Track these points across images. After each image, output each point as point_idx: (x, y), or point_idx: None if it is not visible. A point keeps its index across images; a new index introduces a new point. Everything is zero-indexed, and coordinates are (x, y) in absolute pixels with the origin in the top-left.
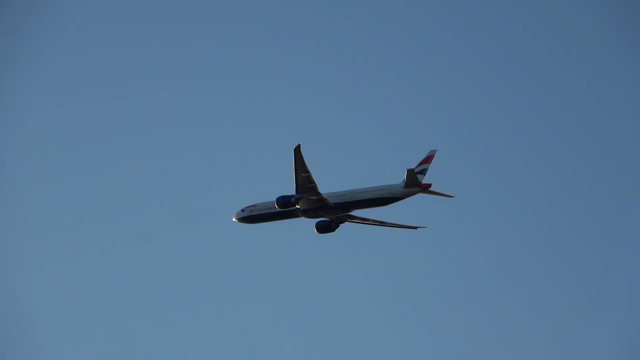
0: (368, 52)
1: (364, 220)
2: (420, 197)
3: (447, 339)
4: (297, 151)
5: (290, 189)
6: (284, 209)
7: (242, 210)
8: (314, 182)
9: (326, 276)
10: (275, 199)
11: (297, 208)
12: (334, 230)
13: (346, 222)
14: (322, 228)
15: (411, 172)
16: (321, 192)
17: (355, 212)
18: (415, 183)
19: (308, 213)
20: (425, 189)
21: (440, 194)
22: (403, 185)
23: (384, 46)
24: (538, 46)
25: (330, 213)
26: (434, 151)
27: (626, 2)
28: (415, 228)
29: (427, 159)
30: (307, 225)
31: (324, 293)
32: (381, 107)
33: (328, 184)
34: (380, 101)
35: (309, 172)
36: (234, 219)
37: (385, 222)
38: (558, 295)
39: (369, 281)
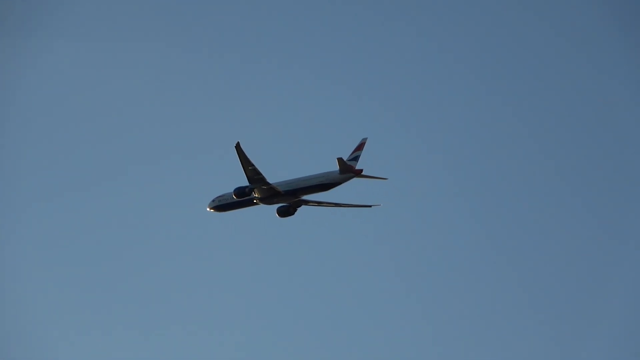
0: (301, 44)
1: (319, 203)
2: (358, 181)
3: (410, 313)
4: (238, 148)
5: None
6: (241, 198)
7: (213, 201)
8: (261, 174)
9: (289, 255)
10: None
11: (255, 196)
12: (293, 214)
13: (303, 206)
14: (283, 212)
15: (340, 160)
16: (271, 182)
17: (311, 197)
18: (347, 169)
19: (264, 200)
20: (358, 173)
21: (374, 177)
22: (339, 172)
23: (321, 37)
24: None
25: (283, 199)
26: (365, 139)
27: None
28: (370, 206)
29: (359, 147)
30: (269, 210)
31: (289, 270)
32: (321, 101)
33: (279, 173)
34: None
35: (253, 165)
36: (207, 209)
37: (339, 203)
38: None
39: (330, 257)
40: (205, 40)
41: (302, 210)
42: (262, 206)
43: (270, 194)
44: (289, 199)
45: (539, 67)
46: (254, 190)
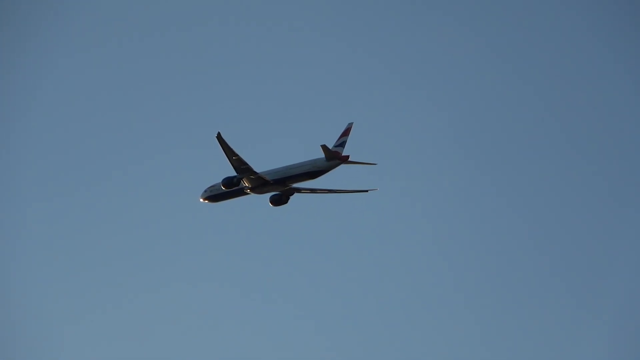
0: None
1: (312, 191)
2: (347, 167)
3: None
4: (220, 138)
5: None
6: (230, 188)
7: (205, 191)
8: (247, 164)
9: (284, 244)
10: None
11: (245, 186)
12: (287, 202)
13: (296, 194)
14: (275, 201)
15: (324, 148)
16: (258, 171)
17: (303, 184)
18: (333, 156)
19: (255, 190)
20: (345, 160)
21: (362, 163)
22: (325, 159)
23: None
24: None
25: (273, 188)
26: (351, 124)
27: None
28: (366, 191)
29: (346, 132)
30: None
31: (282, 259)
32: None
33: (268, 162)
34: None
35: (237, 155)
36: (200, 199)
37: (333, 190)
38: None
39: (325, 244)
40: (184, 29)
41: (295, 198)
42: (255, 195)
43: (259, 183)
44: (277, 187)
45: (531, 56)
46: (243, 179)
